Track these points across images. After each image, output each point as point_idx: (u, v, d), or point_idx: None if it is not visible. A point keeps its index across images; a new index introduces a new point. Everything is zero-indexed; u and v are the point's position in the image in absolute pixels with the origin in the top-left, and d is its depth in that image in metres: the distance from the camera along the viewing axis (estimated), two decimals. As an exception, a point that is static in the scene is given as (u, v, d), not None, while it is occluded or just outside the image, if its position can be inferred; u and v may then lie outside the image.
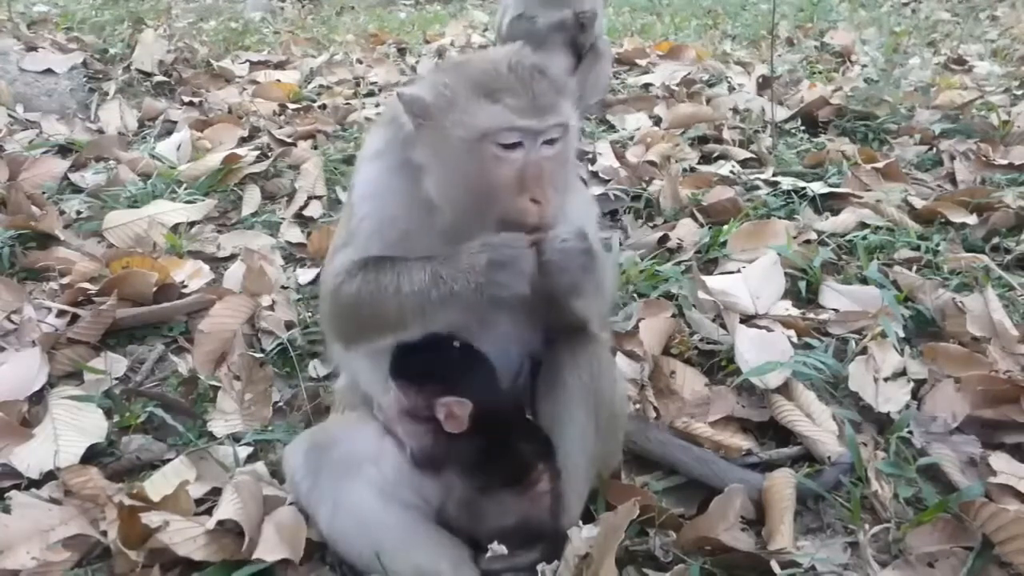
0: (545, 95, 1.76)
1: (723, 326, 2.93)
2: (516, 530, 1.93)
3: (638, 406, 2.57)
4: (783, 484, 2.20)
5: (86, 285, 3.09)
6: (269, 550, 1.97)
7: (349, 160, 4.56)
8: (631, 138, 4.94)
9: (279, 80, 6.15)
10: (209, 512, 2.13)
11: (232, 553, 1.99)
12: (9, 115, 5.00)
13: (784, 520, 2.09)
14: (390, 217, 1.92)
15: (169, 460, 2.37)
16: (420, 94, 1.80)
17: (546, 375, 2.06)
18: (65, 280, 3.20)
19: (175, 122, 5.14)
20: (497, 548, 1.86)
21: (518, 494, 1.95)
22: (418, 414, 1.93)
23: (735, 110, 5.40)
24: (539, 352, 2.08)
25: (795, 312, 3.00)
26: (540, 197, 1.76)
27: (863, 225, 3.63)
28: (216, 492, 2.22)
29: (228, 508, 2.05)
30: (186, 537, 1.99)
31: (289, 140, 4.78)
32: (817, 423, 2.47)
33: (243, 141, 4.81)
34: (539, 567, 1.88)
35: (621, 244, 3.57)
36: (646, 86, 6.18)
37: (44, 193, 3.99)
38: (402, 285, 1.82)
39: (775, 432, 2.52)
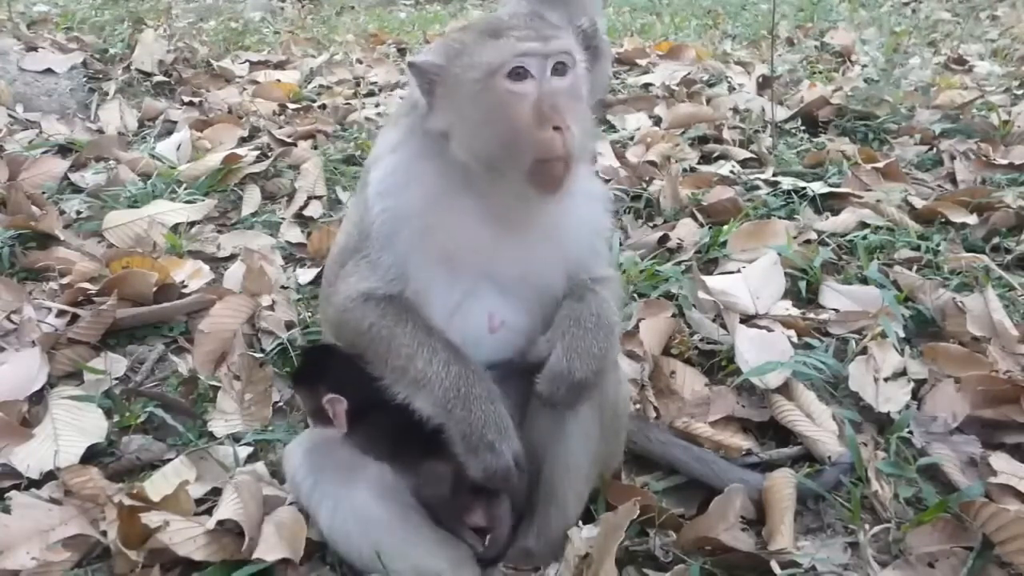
0: (545, 27, 1.86)
1: (723, 326, 2.93)
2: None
3: (638, 406, 2.57)
4: (783, 484, 2.20)
5: (86, 285, 3.09)
6: (269, 550, 1.96)
7: (349, 160, 4.57)
8: (631, 138, 4.94)
9: (279, 80, 6.15)
10: (209, 512, 2.13)
11: (232, 553, 1.99)
12: (9, 115, 5.00)
13: (784, 520, 2.09)
14: (416, 211, 1.92)
15: (169, 460, 2.37)
16: (429, 56, 1.90)
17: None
18: (65, 280, 3.20)
19: (175, 122, 5.14)
20: None
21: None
22: (317, 415, 2.09)
23: (735, 110, 5.40)
24: (539, 352, 2.07)
25: (795, 312, 3.00)
26: (560, 123, 1.78)
27: (863, 225, 3.63)
28: (216, 492, 2.22)
29: (228, 508, 2.05)
30: (186, 537, 1.98)
31: (289, 140, 4.78)
32: (817, 423, 2.47)
33: (243, 141, 4.81)
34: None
35: (621, 244, 3.57)
36: (646, 86, 6.18)
37: (44, 193, 3.99)
38: (416, 359, 1.87)
39: (775, 432, 2.52)
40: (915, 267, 3.29)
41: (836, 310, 3.03)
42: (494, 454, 1.84)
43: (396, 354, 1.89)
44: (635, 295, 3.14)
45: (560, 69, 1.84)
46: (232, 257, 3.55)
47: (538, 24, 1.87)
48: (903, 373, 2.64)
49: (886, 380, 2.62)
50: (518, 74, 1.79)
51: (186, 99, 5.66)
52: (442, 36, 2.06)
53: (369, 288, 1.92)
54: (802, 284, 3.18)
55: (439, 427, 1.88)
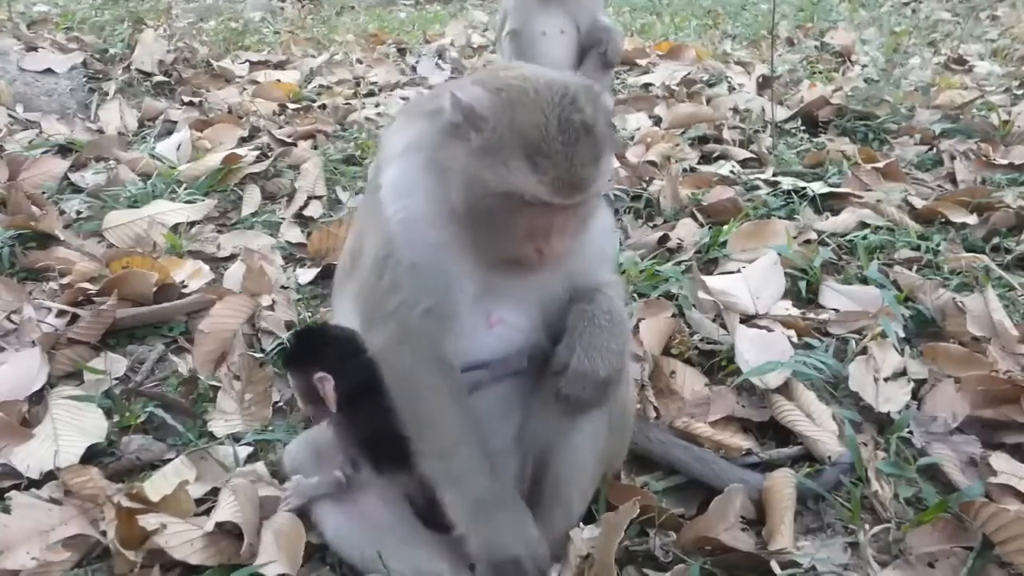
0: (584, 168, 1.72)
1: (723, 326, 2.93)
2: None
3: (638, 406, 2.57)
4: (783, 484, 2.20)
5: (86, 285, 3.09)
6: (267, 561, 1.94)
7: (349, 160, 4.57)
8: (631, 138, 4.94)
9: (279, 80, 6.15)
10: (209, 512, 2.14)
11: (229, 557, 1.98)
12: (9, 115, 5.00)
13: (784, 520, 2.09)
14: (422, 220, 1.87)
15: (169, 460, 2.37)
16: (475, 108, 1.73)
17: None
18: (65, 280, 3.20)
19: (175, 122, 5.14)
20: None
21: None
22: (309, 397, 2.05)
23: (735, 110, 5.40)
24: (544, 345, 2.05)
25: (795, 312, 3.00)
26: (544, 248, 1.77)
27: (863, 225, 3.62)
28: (216, 492, 2.22)
29: (225, 511, 2.05)
30: (183, 540, 1.98)
31: (289, 140, 4.78)
32: (817, 423, 2.47)
33: (243, 141, 4.81)
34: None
35: (621, 244, 3.57)
36: (646, 86, 6.18)
37: (44, 193, 3.99)
38: (452, 459, 1.85)
39: (775, 432, 2.52)
40: (915, 267, 3.29)
41: (836, 310, 3.03)
42: (517, 567, 1.84)
43: (433, 438, 1.87)
44: (635, 295, 3.14)
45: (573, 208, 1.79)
46: (232, 257, 3.55)
47: (579, 159, 1.70)
48: (903, 373, 2.64)
49: (886, 380, 2.62)
50: (529, 202, 1.74)
51: (186, 99, 5.66)
52: (498, 80, 1.79)
53: (393, 333, 1.87)
54: (802, 284, 3.18)
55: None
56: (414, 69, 7.07)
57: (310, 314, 3.09)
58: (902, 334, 2.83)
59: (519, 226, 1.76)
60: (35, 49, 5.65)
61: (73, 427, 2.46)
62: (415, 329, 1.84)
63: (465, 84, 1.86)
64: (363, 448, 2.00)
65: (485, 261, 1.87)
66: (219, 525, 2.02)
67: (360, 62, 7.13)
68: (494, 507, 1.85)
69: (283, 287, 3.29)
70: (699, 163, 4.55)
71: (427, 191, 1.87)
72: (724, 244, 3.49)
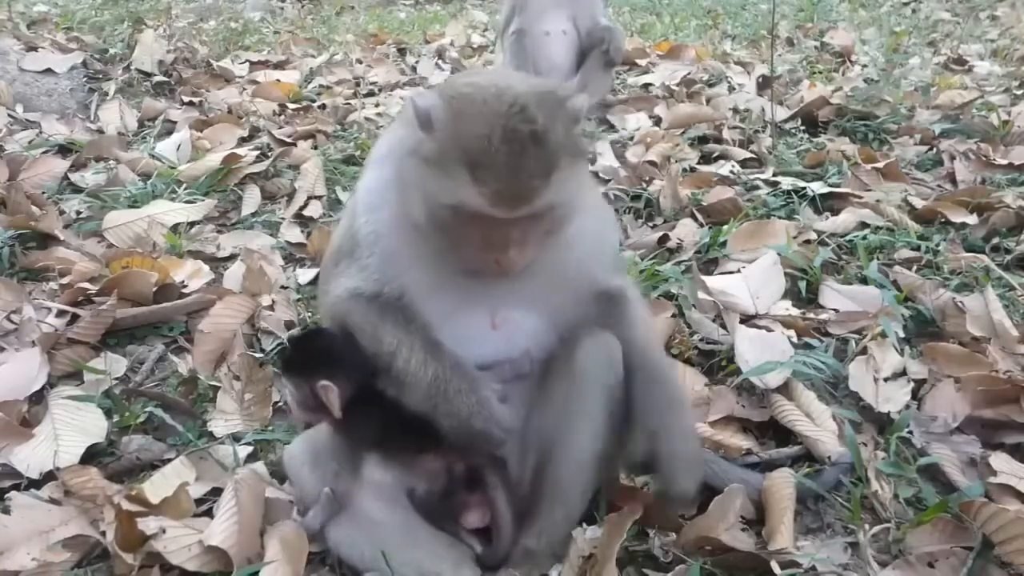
0: (531, 180, 1.66)
1: (723, 326, 2.93)
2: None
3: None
4: (783, 484, 2.19)
5: (86, 285, 3.09)
6: (271, 561, 1.94)
7: (349, 160, 4.57)
8: (631, 138, 4.95)
9: (279, 80, 6.15)
10: (209, 512, 2.14)
11: (226, 565, 1.96)
12: (9, 115, 5.00)
13: (784, 520, 2.09)
14: (385, 233, 1.92)
15: (169, 460, 2.37)
16: (427, 112, 1.71)
17: (559, 367, 2.03)
18: (65, 280, 3.19)
19: (175, 122, 5.14)
20: None
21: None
22: (308, 404, 2.02)
23: (735, 110, 5.40)
24: (550, 347, 2.05)
25: (795, 312, 3.00)
26: (502, 260, 1.76)
27: (863, 225, 3.63)
28: (216, 492, 2.21)
29: (225, 521, 2.03)
30: (181, 546, 1.98)
31: (289, 140, 4.78)
32: (817, 423, 2.47)
33: (243, 141, 4.81)
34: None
35: (621, 244, 3.56)
36: (646, 86, 6.18)
37: (44, 193, 3.99)
38: (396, 358, 1.88)
39: (775, 432, 2.52)
40: (915, 267, 3.29)
41: (836, 310, 3.03)
42: (487, 439, 1.89)
43: (378, 351, 1.92)
44: (635, 295, 3.14)
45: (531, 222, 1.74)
46: (232, 257, 3.54)
47: (524, 172, 1.64)
48: (903, 373, 2.64)
49: (886, 380, 2.62)
50: (477, 216, 1.71)
51: (186, 99, 5.65)
52: (451, 90, 1.76)
53: (355, 287, 1.94)
54: (802, 284, 3.18)
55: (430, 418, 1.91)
56: (414, 69, 7.07)
57: (310, 314, 3.09)
58: (902, 334, 2.83)
59: (474, 238, 1.75)
60: (35, 49, 5.64)
61: (73, 427, 2.46)
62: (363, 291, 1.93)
63: (429, 91, 1.87)
64: (370, 448, 2.00)
65: (448, 270, 1.89)
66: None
67: (360, 62, 7.13)
68: (442, 393, 1.86)
69: (283, 287, 3.29)
70: (699, 163, 4.55)
71: (392, 205, 1.91)
72: (724, 244, 3.49)
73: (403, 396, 1.91)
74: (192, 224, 3.76)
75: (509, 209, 1.69)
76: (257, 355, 2.82)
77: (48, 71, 5.43)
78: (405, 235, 1.89)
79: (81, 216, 3.88)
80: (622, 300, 2.06)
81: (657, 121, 5.28)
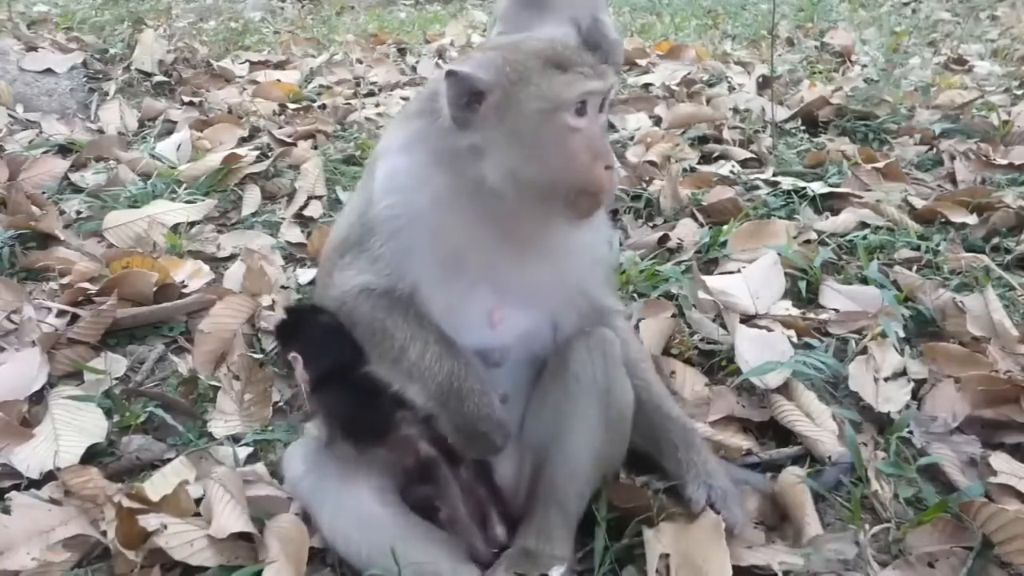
0: (596, 63, 1.87)
1: (723, 326, 2.93)
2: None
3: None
4: (794, 480, 2.21)
5: (86, 285, 3.09)
6: (271, 561, 1.95)
7: (349, 160, 4.56)
8: (631, 138, 4.94)
9: (279, 80, 6.14)
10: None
11: (229, 559, 1.98)
12: (9, 115, 4.99)
13: (807, 512, 2.11)
14: (419, 213, 1.92)
15: (169, 460, 2.37)
16: (478, 71, 1.81)
17: (555, 368, 2.05)
18: (65, 280, 3.19)
19: (175, 122, 5.13)
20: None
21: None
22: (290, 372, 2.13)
23: (735, 110, 5.40)
24: (546, 347, 2.08)
25: (795, 312, 3.00)
26: (611, 163, 1.85)
27: (863, 225, 3.63)
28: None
29: (230, 516, 2.04)
30: (183, 541, 1.98)
31: (289, 140, 4.78)
32: (817, 423, 2.47)
33: (243, 141, 4.80)
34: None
35: (621, 244, 3.57)
36: (646, 86, 6.18)
37: (44, 193, 3.98)
38: (409, 351, 1.90)
39: (775, 432, 2.52)
40: (915, 267, 3.29)
41: (836, 310, 3.03)
42: (488, 443, 1.90)
43: (389, 346, 1.92)
44: (635, 295, 3.15)
45: (603, 106, 1.88)
46: (232, 257, 3.54)
47: (588, 58, 1.88)
48: (903, 373, 2.64)
49: (886, 380, 2.62)
50: (579, 111, 1.82)
51: (186, 99, 5.65)
52: (480, 50, 1.97)
53: (367, 282, 1.94)
54: (802, 284, 3.18)
55: (431, 415, 1.92)
56: (414, 69, 7.06)
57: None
58: (902, 334, 2.83)
59: (581, 148, 1.81)
60: (35, 49, 5.64)
61: (73, 427, 2.46)
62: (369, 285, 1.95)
63: (442, 71, 1.91)
64: (338, 424, 2.04)
65: (501, 228, 1.92)
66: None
67: (360, 62, 7.13)
68: (459, 389, 1.88)
69: (283, 287, 3.29)
70: (699, 163, 4.54)
71: (437, 185, 1.91)
72: (724, 244, 3.49)
73: (410, 392, 1.91)
74: (192, 224, 3.75)
75: (601, 80, 1.84)
76: (257, 355, 2.82)
77: (48, 71, 5.43)
78: (438, 213, 1.91)
79: (81, 216, 3.88)
80: (611, 319, 2.11)
81: (657, 121, 5.28)
